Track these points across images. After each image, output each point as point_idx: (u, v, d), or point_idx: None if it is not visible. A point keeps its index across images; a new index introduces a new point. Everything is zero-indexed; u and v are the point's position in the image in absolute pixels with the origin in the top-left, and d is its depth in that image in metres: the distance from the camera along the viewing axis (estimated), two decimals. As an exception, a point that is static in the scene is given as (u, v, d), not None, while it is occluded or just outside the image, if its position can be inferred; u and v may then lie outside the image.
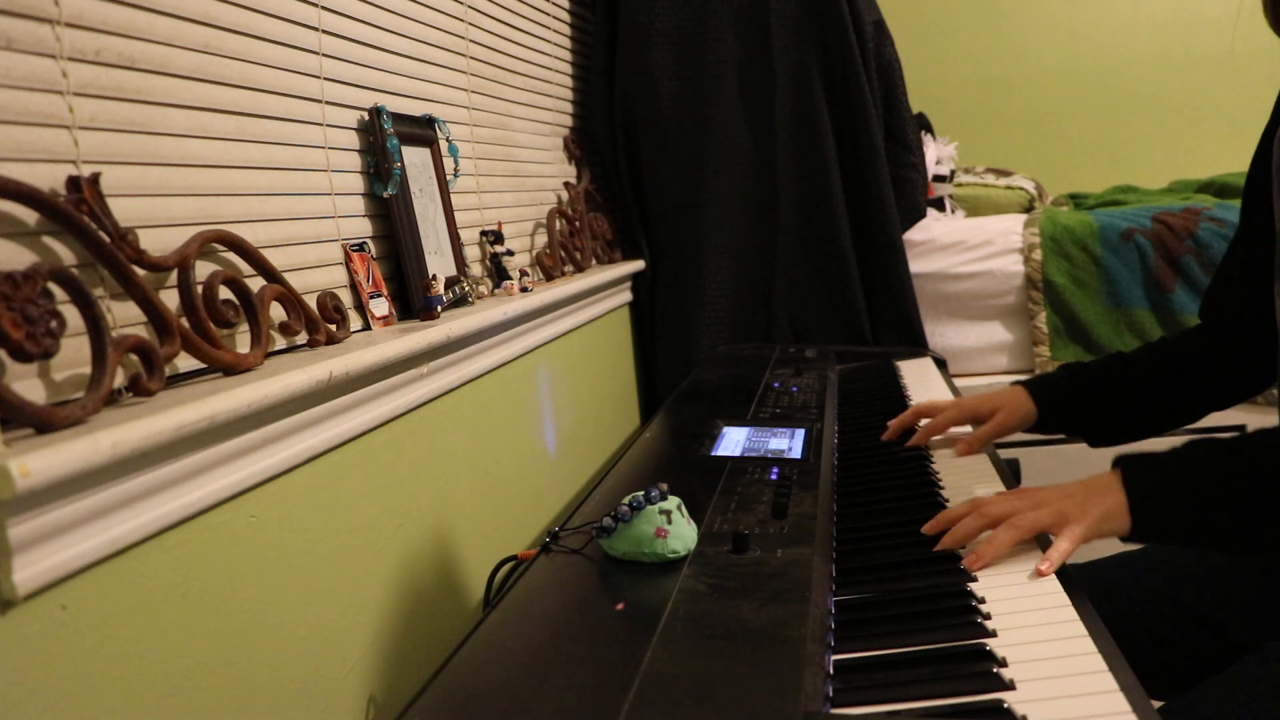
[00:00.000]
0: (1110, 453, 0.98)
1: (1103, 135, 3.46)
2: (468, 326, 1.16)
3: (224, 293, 0.84)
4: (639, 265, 2.07)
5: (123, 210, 0.74)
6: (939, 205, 2.44)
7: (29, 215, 0.66)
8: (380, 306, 1.12)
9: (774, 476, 0.99)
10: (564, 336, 1.61)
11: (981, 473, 1.10)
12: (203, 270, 0.83)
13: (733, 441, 1.14)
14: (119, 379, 0.70)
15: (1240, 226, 1.08)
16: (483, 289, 1.36)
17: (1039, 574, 0.80)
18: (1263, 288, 1.01)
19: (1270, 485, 0.80)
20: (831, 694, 0.66)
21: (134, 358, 0.72)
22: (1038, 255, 2.11)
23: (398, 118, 1.19)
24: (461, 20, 1.44)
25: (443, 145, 1.32)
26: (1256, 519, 0.81)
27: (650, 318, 2.13)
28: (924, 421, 1.22)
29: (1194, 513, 0.82)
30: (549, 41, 1.85)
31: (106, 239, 0.70)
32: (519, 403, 1.41)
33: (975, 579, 0.81)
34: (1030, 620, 0.73)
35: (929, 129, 2.67)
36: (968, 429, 1.21)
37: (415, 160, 1.24)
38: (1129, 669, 0.64)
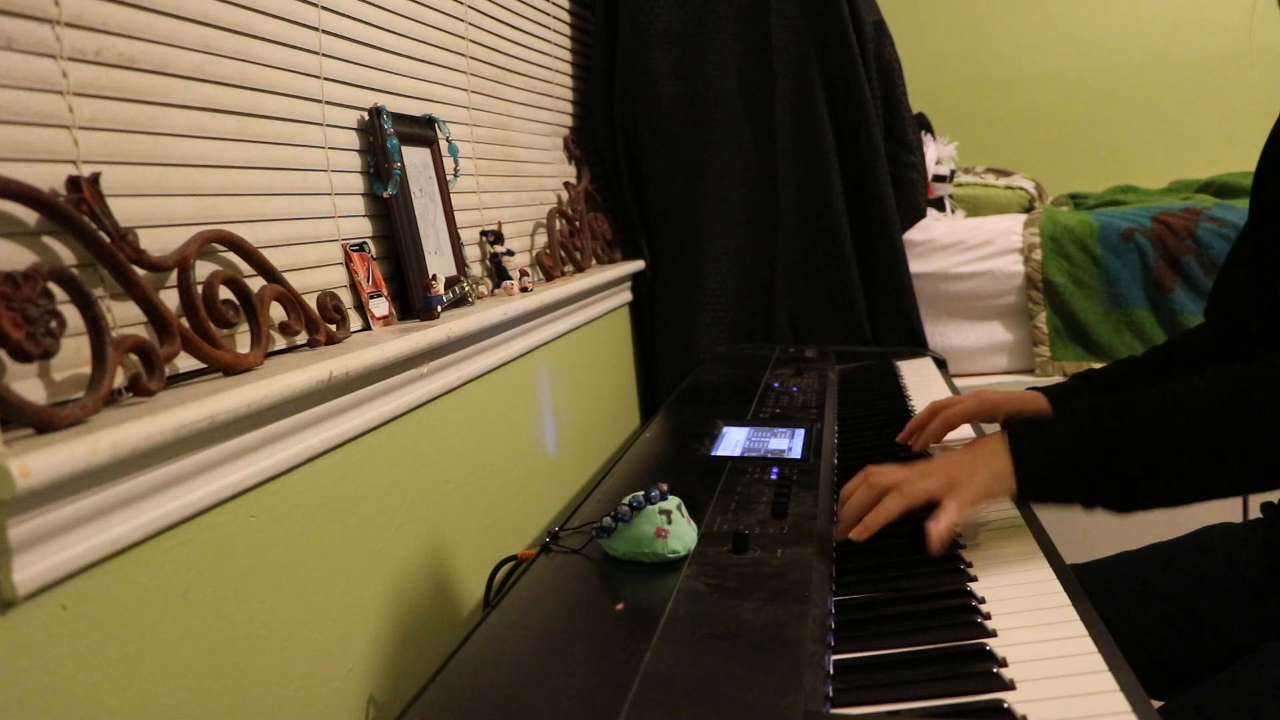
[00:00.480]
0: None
1: (1103, 135, 3.46)
2: (468, 326, 1.16)
3: (224, 293, 0.84)
4: (639, 265, 2.07)
5: (123, 210, 0.74)
6: (939, 205, 2.44)
7: (29, 215, 0.66)
8: (380, 306, 1.12)
9: (774, 476, 0.99)
10: (564, 336, 1.61)
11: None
12: (203, 270, 0.83)
13: (733, 441, 1.14)
14: (119, 379, 0.70)
15: (1248, 226, 1.08)
16: (483, 289, 1.36)
17: (930, 535, 0.82)
18: (1270, 287, 1.01)
19: (1148, 447, 0.81)
20: (831, 694, 0.66)
21: (134, 358, 0.72)
22: (1038, 255, 2.11)
23: (398, 118, 1.19)
24: (461, 20, 1.44)
25: (443, 145, 1.32)
26: (1134, 481, 0.81)
27: (650, 318, 2.13)
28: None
29: (1074, 475, 0.83)
30: (549, 41, 1.85)
31: (106, 239, 0.70)
32: (519, 403, 1.41)
33: (975, 579, 0.81)
34: (1030, 620, 0.73)
35: (929, 129, 2.67)
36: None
37: (415, 160, 1.24)
38: (1129, 669, 0.64)
